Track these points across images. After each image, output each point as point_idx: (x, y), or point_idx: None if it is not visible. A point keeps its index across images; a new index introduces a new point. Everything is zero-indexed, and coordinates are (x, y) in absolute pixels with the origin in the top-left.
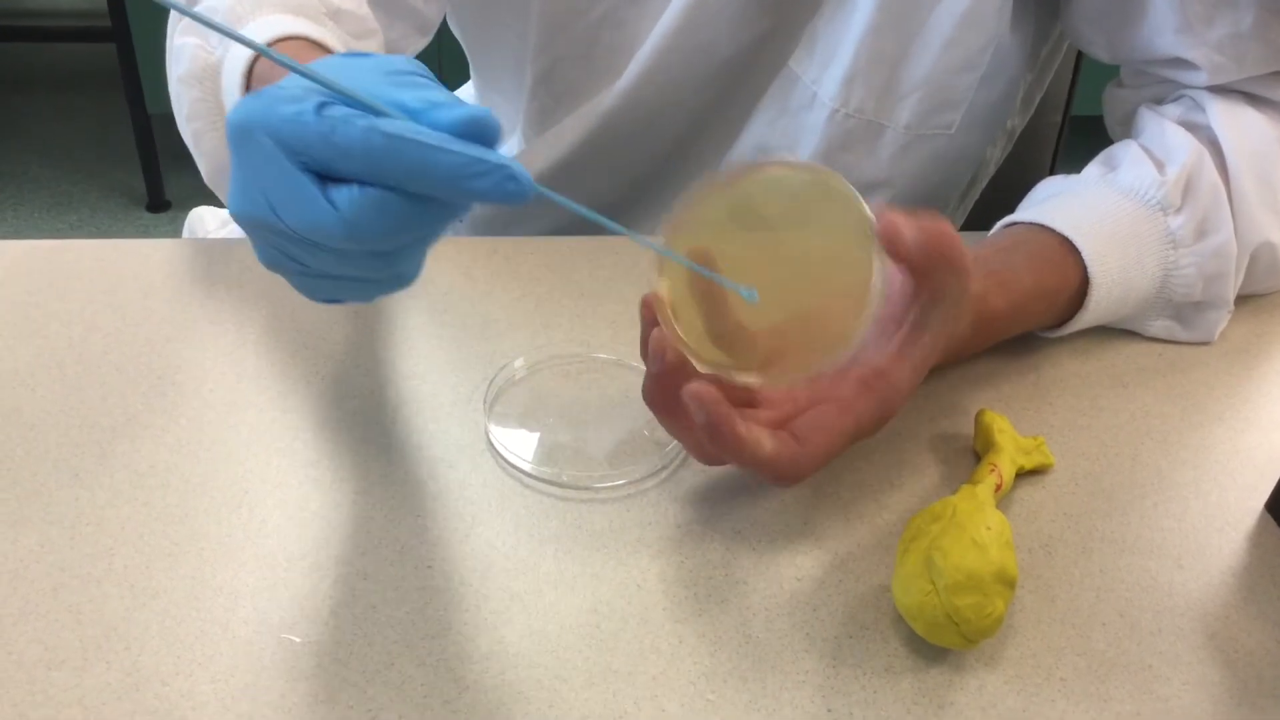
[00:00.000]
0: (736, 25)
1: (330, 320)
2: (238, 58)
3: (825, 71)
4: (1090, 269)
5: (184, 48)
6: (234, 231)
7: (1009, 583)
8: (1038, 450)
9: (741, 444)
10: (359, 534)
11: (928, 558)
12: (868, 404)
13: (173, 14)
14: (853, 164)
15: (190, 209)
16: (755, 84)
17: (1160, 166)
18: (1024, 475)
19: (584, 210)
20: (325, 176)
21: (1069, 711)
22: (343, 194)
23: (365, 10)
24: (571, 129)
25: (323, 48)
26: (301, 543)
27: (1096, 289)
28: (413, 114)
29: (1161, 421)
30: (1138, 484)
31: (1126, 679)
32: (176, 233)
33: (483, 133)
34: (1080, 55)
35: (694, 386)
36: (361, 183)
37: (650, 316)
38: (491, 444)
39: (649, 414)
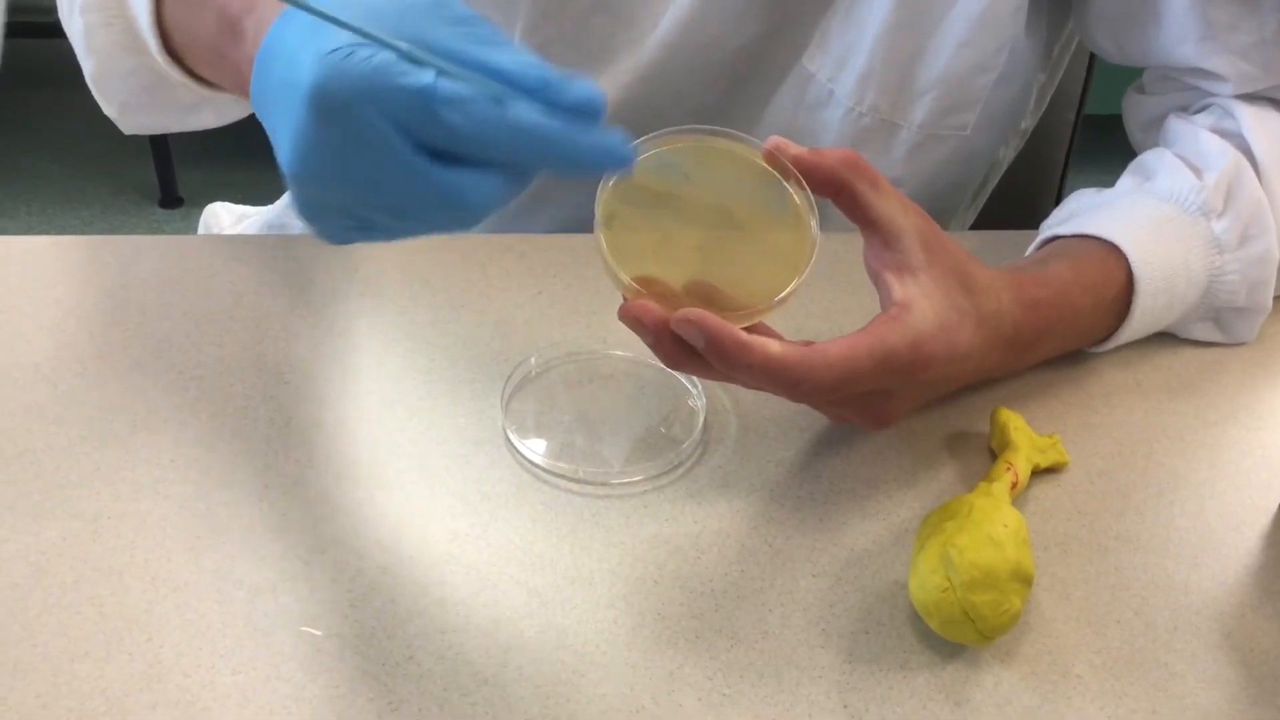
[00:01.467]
0: (742, 19)
1: (349, 316)
2: None
3: (841, 70)
4: (1136, 271)
5: None
6: (249, 227)
7: (1025, 580)
8: (1053, 449)
9: (746, 348)
10: (378, 529)
11: (944, 555)
12: (891, 328)
13: None
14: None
15: (203, 205)
16: (766, 81)
17: (1198, 173)
18: (1039, 473)
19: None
20: (435, 153)
21: (1084, 708)
22: (465, 180)
23: None
24: None
25: None
26: (321, 537)
27: (1142, 295)
28: (531, 93)
29: (1176, 420)
30: (1153, 482)
31: (1142, 676)
32: (189, 228)
33: (597, 110)
34: (1094, 54)
35: (681, 313)
36: (477, 164)
37: (632, 317)
38: (508, 440)
39: (664, 411)
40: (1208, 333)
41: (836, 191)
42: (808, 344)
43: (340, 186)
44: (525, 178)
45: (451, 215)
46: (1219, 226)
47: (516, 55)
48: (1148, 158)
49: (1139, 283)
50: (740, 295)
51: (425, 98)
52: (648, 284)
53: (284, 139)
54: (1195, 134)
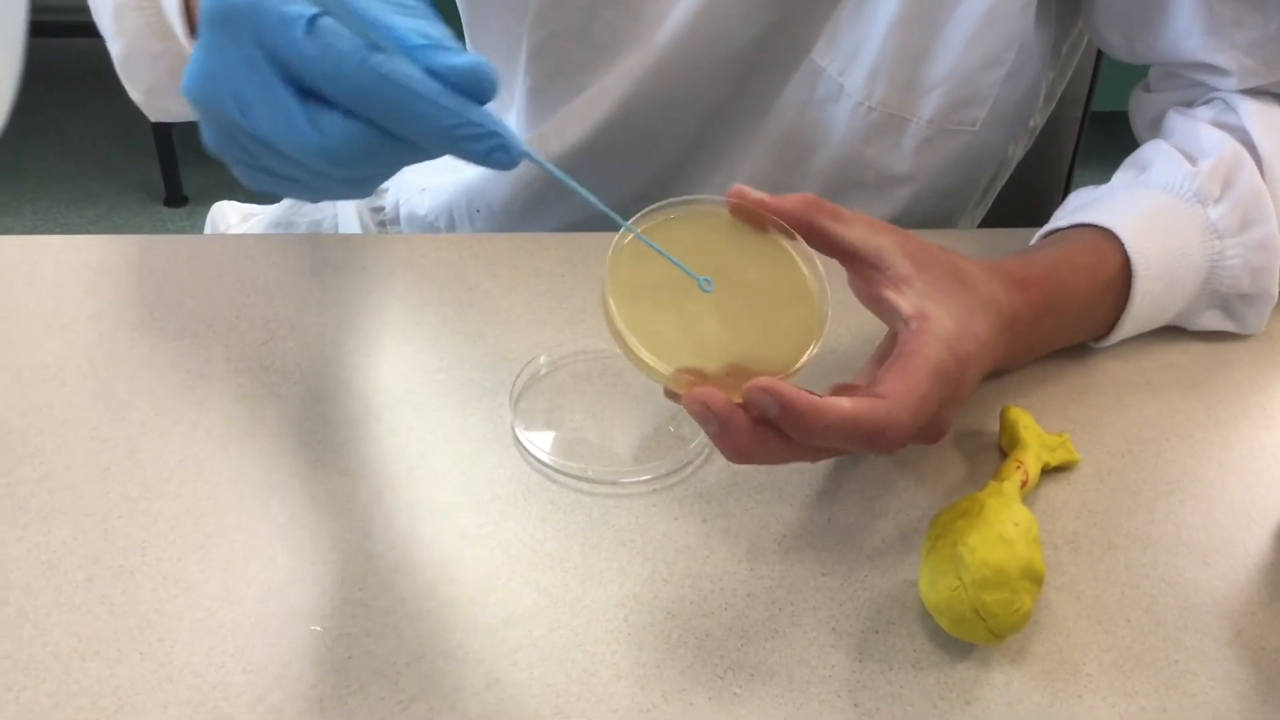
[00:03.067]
0: (752, 13)
1: (357, 315)
2: None
3: (850, 64)
4: (1133, 257)
5: None
6: (255, 225)
7: (1036, 578)
8: (1063, 447)
9: (821, 410)
10: (387, 528)
11: (955, 553)
12: (925, 343)
13: None
14: (876, 157)
15: (207, 204)
16: (775, 76)
17: (1194, 162)
18: (1049, 472)
19: (565, 178)
20: (304, 90)
21: (1095, 707)
22: (325, 120)
23: None
24: (583, 116)
25: None
26: (331, 536)
27: (1140, 280)
28: (409, 50)
29: (1186, 418)
30: (1163, 481)
31: (1152, 675)
32: (194, 227)
33: (479, 86)
34: (1101, 51)
35: (752, 383)
36: (345, 111)
37: (699, 403)
38: (517, 439)
39: (673, 409)
40: (1216, 321)
41: (804, 233)
42: (848, 386)
43: (219, 109)
44: (397, 141)
45: (319, 157)
46: (1215, 212)
47: (415, 21)
48: (1144, 150)
49: (1137, 268)
50: (769, 360)
51: (291, 25)
52: (690, 373)
53: (193, 54)
54: (1193, 126)
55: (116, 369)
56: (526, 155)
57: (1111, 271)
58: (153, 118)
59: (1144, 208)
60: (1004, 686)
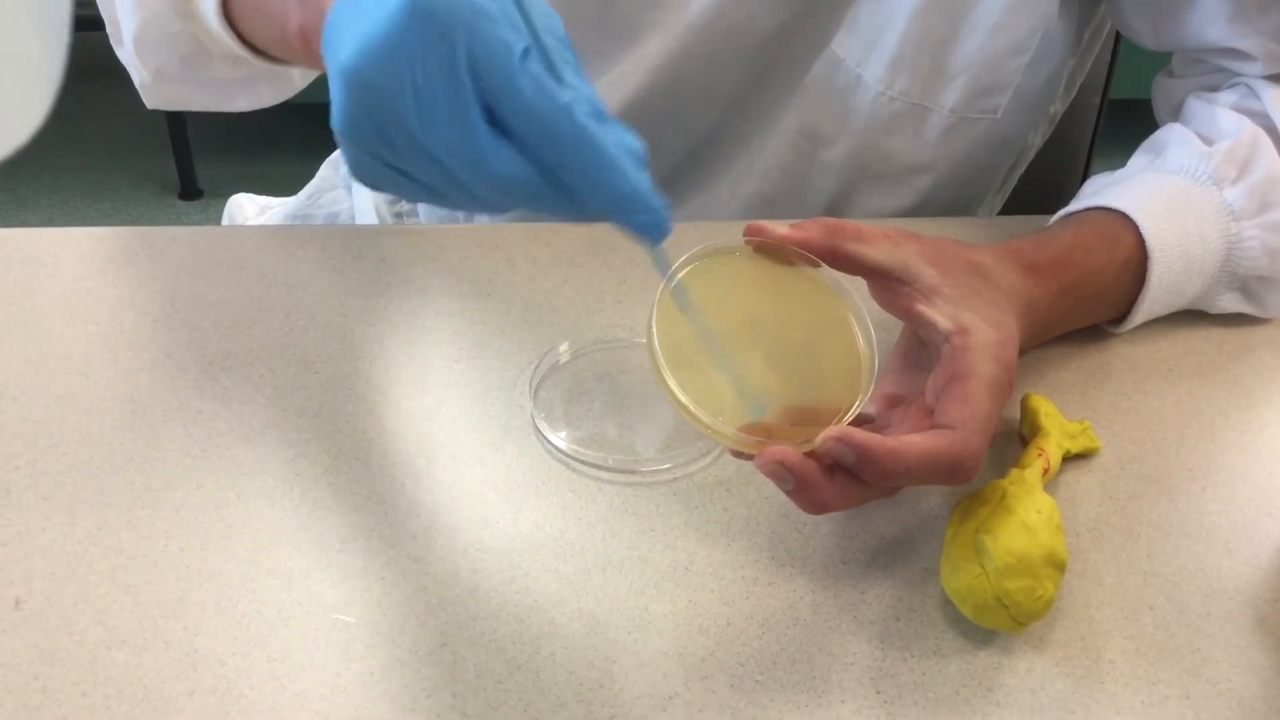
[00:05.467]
0: (772, 3)
1: (377, 306)
2: None
3: (870, 54)
4: (1147, 238)
5: None
6: (273, 218)
7: (1059, 566)
8: (1084, 434)
9: (898, 452)
10: (409, 517)
11: (977, 541)
12: (975, 358)
13: None
14: (896, 148)
15: (222, 197)
16: (795, 65)
17: (1210, 144)
18: (1070, 459)
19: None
20: (491, 116)
21: (1118, 694)
22: (506, 152)
23: None
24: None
25: None
26: (353, 525)
27: (1157, 261)
28: (597, 115)
29: (1208, 405)
30: (1184, 468)
31: (1175, 662)
32: (209, 220)
33: (645, 163)
34: (1119, 38)
35: (826, 435)
36: (524, 150)
37: (775, 463)
38: (537, 429)
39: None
40: (1236, 303)
41: (830, 260)
42: (896, 397)
43: (391, 108)
44: (560, 189)
45: (482, 181)
46: (1231, 194)
47: (585, 86)
48: (1160, 134)
49: (1152, 250)
50: (825, 399)
51: (510, 53)
52: (755, 431)
53: (357, 37)
54: (1212, 111)
55: (138, 360)
56: (662, 239)
57: (1126, 253)
58: (151, 104)
59: (1158, 190)
60: (1026, 674)
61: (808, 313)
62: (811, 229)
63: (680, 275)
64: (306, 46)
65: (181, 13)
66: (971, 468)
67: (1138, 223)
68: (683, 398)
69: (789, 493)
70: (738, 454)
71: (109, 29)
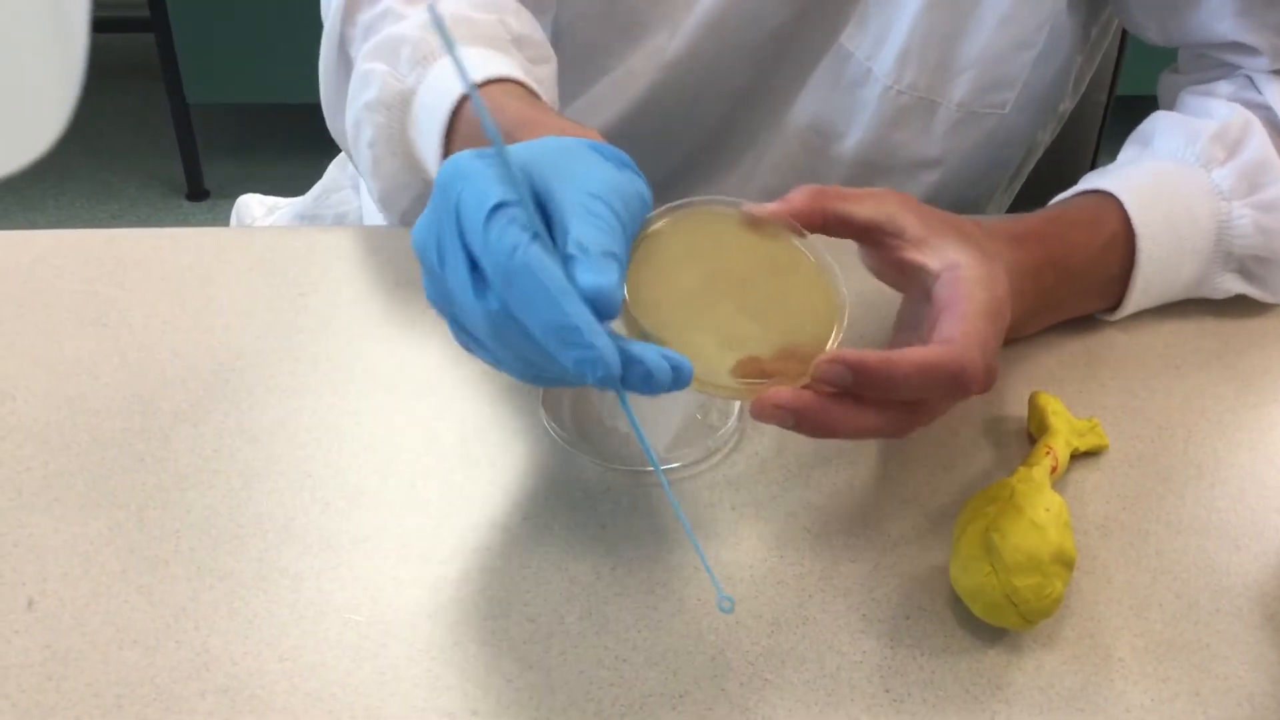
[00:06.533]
0: None
1: (384, 307)
2: (440, 92)
3: (879, 48)
4: (1133, 216)
5: (372, 73)
6: (281, 218)
7: (1068, 564)
8: (1092, 432)
9: (895, 362)
10: (418, 516)
11: (986, 539)
12: (968, 288)
13: (346, 34)
14: (904, 142)
15: (229, 198)
16: (804, 59)
17: (1195, 128)
18: (1078, 457)
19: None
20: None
21: (1127, 691)
22: (489, 293)
23: (540, 35)
24: (610, 100)
25: (533, 93)
26: (363, 525)
27: (1144, 240)
28: (564, 256)
29: (1216, 402)
30: (1193, 465)
31: (1184, 659)
32: (216, 221)
33: (604, 306)
34: (1126, 35)
35: (819, 359)
36: (496, 290)
37: (772, 406)
38: (546, 428)
39: (701, 398)
40: (1237, 284)
41: (820, 224)
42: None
43: (428, 255)
44: (529, 334)
45: (480, 322)
46: (1219, 174)
47: (590, 228)
48: (1146, 124)
49: (1138, 226)
50: (807, 341)
51: (479, 207)
52: (746, 368)
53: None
54: (1205, 101)
55: (148, 361)
56: (617, 391)
57: (1111, 229)
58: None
59: (1145, 174)
60: (1035, 671)
61: (777, 266)
62: (796, 197)
63: (657, 224)
64: None
65: (413, 169)
66: (973, 378)
67: (1122, 201)
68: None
69: (794, 428)
70: (757, 412)
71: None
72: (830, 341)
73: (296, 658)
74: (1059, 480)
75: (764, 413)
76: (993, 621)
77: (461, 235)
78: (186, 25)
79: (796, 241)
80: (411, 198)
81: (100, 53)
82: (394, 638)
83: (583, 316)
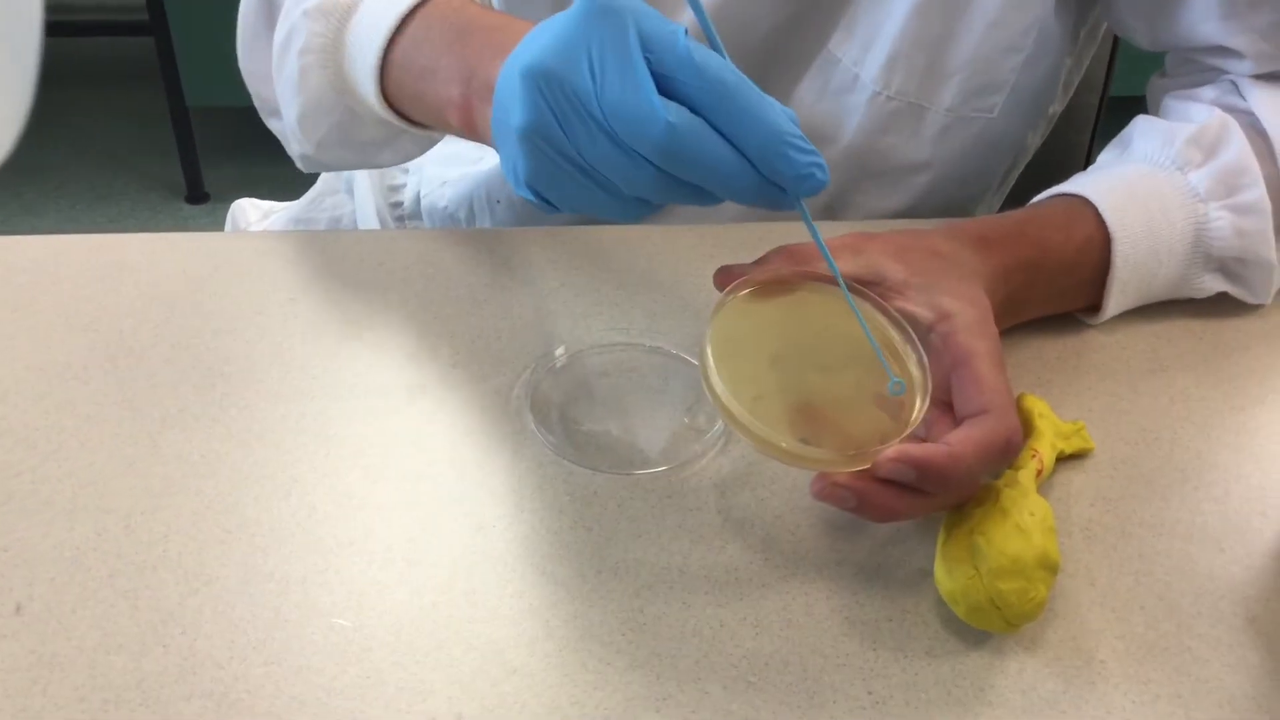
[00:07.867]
0: (771, 4)
1: (374, 311)
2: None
3: (867, 54)
4: (1106, 218)
5: None
6: (275, 222)
7: (1051, 568)
8: (1078, 435)
9: (959, 457)
10: (405, 521)
11: (971, 542)
12: (968, 341)
13: None
14: (893, 146)
15: (228, 200)
16: (791, 68)
17: (1172, 131)
18: (1064, 460)
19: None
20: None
21: (1109, 694)
22: (673, 108)
23: None
24: None
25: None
26: (349, 530)
27: (1120, 242)
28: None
29: (1201, 405)
30: (1177, 468)
31: (1166, 662)
32: (216, 223)
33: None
34: (1117, 36)
35: (881, 459)
36: (693, 108)
37: (840, 487)
38: (533, 432)
39: (689, 401)
40: (1220, 283)
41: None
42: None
43: (566, 78)
44: (720, 143)
45: (654, 135)
46: (1195, 177)
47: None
48: (1126, 129)
49: (1113, 228)
50: (881, 418)
51: (675, 33)
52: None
53: (536, 47)
54: (1185, 105)
55: (138, 366)
56: (817, 188)
57: (1086, 232)
58: (307, 169)
59: (1120, 177)
60: (1018, 674)
61: (852, 338)
62: (775, 261)
63: (729, 302)
64: (468, 122)
65: (339, 89)
66: (1018, 442)
67: (1095, 203)
68: (751, 422)
69: (854, 511)
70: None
71: (258, 104)
72: (910, 422)
73: (282, 662)
74: (1044, 483)
75: (824, 491)
76: (976, 624)
77: (648, 50)
78: (186, 28)
79: (869, 306)
80: (331, 124)
81: (100, 56)
82: (379, 642)
83: (797, 126)
